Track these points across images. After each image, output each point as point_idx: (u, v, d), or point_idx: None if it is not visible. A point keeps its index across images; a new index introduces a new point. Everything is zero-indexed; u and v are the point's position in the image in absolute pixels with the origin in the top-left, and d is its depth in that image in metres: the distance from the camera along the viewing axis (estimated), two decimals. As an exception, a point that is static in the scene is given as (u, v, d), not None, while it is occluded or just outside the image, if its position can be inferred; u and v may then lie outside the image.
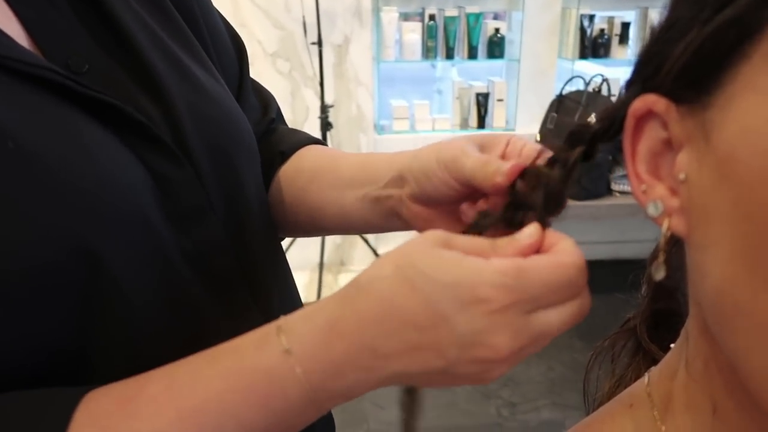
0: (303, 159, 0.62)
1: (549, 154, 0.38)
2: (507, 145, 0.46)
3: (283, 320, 0.38)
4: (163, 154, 0.44)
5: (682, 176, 0.27)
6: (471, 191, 0.45)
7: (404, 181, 0.50)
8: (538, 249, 0.35)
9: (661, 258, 0.29)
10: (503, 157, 0.46)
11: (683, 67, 0.26)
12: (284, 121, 0.70)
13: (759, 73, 0.23)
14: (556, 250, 0.35)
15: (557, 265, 0.34)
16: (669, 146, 0.28)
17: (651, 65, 0.28)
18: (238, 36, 0.64)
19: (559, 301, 0.34)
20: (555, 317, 0.34)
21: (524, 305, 0.34)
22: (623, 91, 0.31)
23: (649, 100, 0.27)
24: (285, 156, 0.63)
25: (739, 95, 0.24)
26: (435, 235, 0.36)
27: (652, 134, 0.28)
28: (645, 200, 0.29)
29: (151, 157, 0.44)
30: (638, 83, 0.29)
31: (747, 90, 0.23)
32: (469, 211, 0.46)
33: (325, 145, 0.67)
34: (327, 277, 2.65)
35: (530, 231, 0.36)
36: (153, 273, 0.43)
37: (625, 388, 0.40)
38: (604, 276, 3.24)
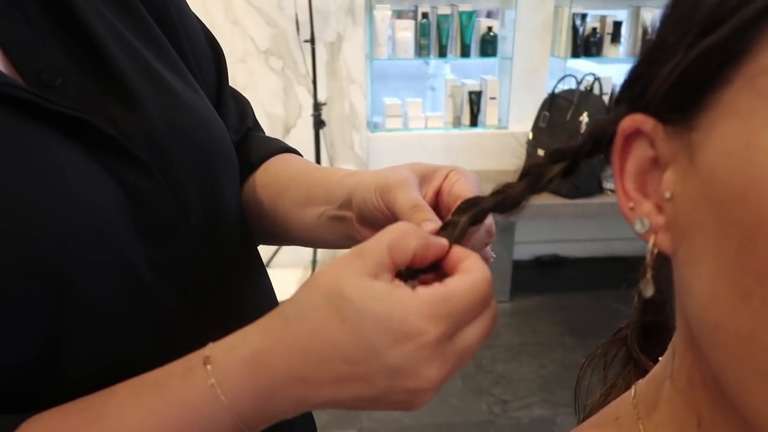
0: (270, 172, 0.62)
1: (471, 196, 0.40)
2: (445, 178, 0.47)
3: (210, 349, 0.39)
4: (134, 167, 0.44)
5: (667, 194, 0.27)
6: None
7: (351, 205, 0.50)
8: (442, 258, 0.38)
9: (649, 274, 0.30)
10: (439, 191, 0.47)
11: (669, 89, 0.26)
12: (260, 128, 0.70)
13: (740, 97, 0.23)
14: (467, 269, 0.37)
15: (473, 284, 0.36)
16: (656, 164, 0.28)
17: (639, 85, 0.28)
18: (217, 42, 0.63)
19: (475, 316, 0.36)
20: (473, 334, 0.36)
21: (450, 331, 0.35)
22: (613, 104, 0.31)
23: (637, 120, 0.28)
24: (254, 167, 0.63)
25: (721, 118, 0.24)
26: (362, 259, 0.36)
27: (640, 152, 0.28)
28: (632, 217, 0.29)
29: (121, 170, 0.43)
30: (627, 101, 0.30)
31: (729, 113, 0.24)
32: None
33: (298, 153, 0.67)
34: (320, 275, 2.64)
35: (440, 241, 0.38)
36: (121, 287, 0.43)
37: (616, 395, 0.40)
38: (595, 273, 3.24)
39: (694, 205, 0.26)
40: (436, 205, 0.46)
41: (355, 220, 0.50)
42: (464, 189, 0.45)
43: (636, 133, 0.28)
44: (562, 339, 2.41)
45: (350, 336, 0.35)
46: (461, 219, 0.39)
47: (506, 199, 0.37)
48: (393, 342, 0.34)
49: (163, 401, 0.38)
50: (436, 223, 0.41)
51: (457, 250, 0.38)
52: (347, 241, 0.54)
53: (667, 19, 0.27)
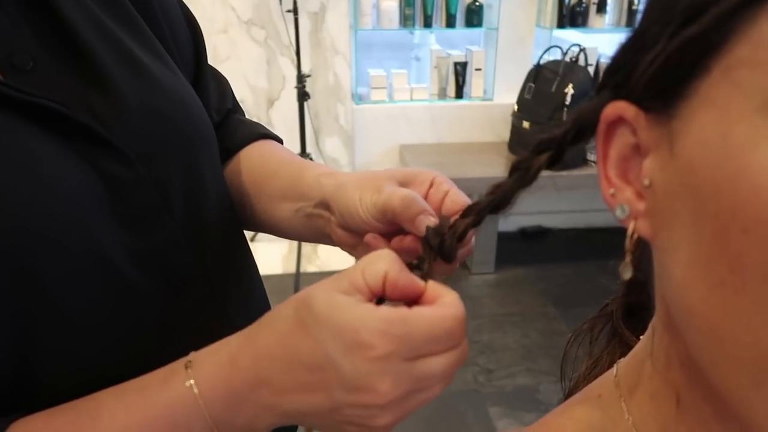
0: (251, 159, 0.62)
1: (467, 204, 0.41)
2: (431, 185, 0.48)
3: (193, 355, 0.40)
4: (111, 155, 0.43)
5: (646, 182, 0.28)
6: (390, 228, 0.47)
7: (330, 208, 0.51)
8: (418, 297, 0.37)
9: (628, 258, 0.31)
10: (425, 198, 0.47)
11: (650, 78, 0.26)
12: (240, 110, 0.69)
13: (717, 88, 0.24)
14: (440, 303, 0.37)
15: (438, 317, 0.36)
16: (638, 151, 0.28)
17: (623, 72, 0.29)
18: (194, 19, 0.62)
19: (441, 350, 0.36)
20: (437, 364, 0.36)
21: (405, 353, 0.35)
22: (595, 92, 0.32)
23: (619, 107, 0.28)
24: (229, 153, 0.62)
25: (699, 108, 0.24)
26: (338, 281, 0.37)
27: (622, 139, 0.29)
28: (613, 203, 0.30)
29: (98, 158, 0.42)
30: (610, 88, 0.30)
31: (706, 104, 0.24)
32: (375, 242, 0.48)
33: (277, 139, 0.66)
34: (306, 248, 2.65)
35: (416, 281, 0.38)
36: (96, 278, 0.42)
37: (600, 370, 0.41)
38: (579, 244, 3.27)
39: (672, 193, 0.26)
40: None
41: (335, 224, 0.51)
42: (459, 197, 0.46)
43: (618, 121, 0.29)
44: (545, 309, 2.45)
45: (310, 344, 0.36)
46: (461, 222, 0.40)
47: (498, 198, 0.37)
48: (345, 351, 0.35)
49: (144, 402, 0.39)
50: (434, 217, 0.43)
51: (435, 287, 0.38)
52: (323, 239, 0.54)
53: (651, 7, 0.27)
